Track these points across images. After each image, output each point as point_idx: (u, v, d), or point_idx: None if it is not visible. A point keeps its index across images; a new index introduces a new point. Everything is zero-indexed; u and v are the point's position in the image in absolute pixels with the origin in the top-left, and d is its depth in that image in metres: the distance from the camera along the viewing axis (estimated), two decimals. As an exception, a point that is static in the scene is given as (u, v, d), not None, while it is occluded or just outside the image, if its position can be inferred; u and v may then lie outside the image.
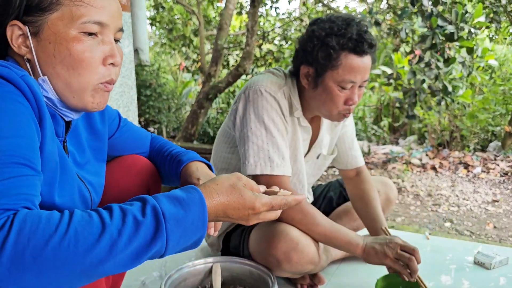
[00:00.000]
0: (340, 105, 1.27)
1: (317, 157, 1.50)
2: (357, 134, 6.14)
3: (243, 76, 5.80)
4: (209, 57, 6.64)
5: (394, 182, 4.43)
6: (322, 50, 1.24)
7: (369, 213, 1.48)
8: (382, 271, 1.54)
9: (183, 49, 7.37)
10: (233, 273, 1.27)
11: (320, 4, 6.01)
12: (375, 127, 6.20)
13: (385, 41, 7.03)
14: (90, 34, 0.78)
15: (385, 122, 6.20)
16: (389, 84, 4.24)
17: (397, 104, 4.28)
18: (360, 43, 1.20)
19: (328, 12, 5.58)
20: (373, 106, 6.65)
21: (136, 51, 4.26)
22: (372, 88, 7.42)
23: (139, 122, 6.73)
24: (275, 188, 0.84)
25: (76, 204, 0.85)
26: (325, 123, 1.47)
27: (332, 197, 1.65)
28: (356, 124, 6.30)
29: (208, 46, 8.39)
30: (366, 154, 5.45)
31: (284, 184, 1.23)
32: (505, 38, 6.94)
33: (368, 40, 1.21)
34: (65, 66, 0.77)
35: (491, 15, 4.40)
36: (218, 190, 0.75)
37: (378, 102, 6.69)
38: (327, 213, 1.60)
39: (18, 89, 0.70)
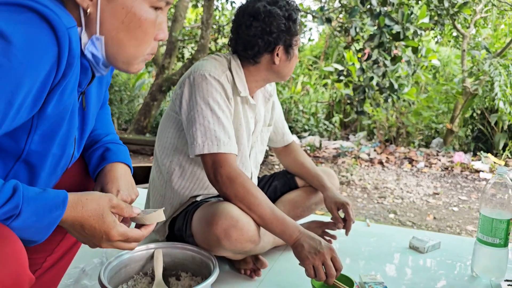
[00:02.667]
0: None
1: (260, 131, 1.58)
2: (309, 129, 6.28)
3: (198, 69, 5.72)
4: (163, 49, 6.54)
5: (343, 176, 4.57)
6: (289, 23, 1.37)
7: (308, 173, 1.64)
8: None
9: (137, 40, 7.19)
10: (175, 259, 1.27)
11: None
12: (327, 122, 6.36)
13: (338, 39, 7.22)
14: (156, 9, 0.81)
15: (336, 118, 6.38)
16: (340, 81, 4.37)
17: (348, 101, 4.43)
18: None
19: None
20: (325, 102, 6.82)
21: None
22: (325, 85, 7.61)
23: (90, 114, 6.53)
24: (146, 219, 0.92)
25: (61, 156, 0.88)
26: (260, 97, 1.54)
27: (276, 186, 1.69)
28: (308, 119, 6.44)
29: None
30: (317, 148, 5.59)
31: (231, 161, 1.27)
32: (449, 41, 7.32)
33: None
34: (129, 34, 0.80)
35: (436, 18, 4.63)
36: (85, 203, 0.78)
37: (330, 98, 6.86)
38: (271, 201, 1.63)
39: (57, 40, 0.69)
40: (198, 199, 1.46)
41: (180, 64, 6.83)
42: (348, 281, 1.27)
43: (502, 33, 6.02)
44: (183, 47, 6.71)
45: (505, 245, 1.37)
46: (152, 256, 1.25)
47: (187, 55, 6.91)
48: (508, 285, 1.36)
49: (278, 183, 1.70)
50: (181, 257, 1.27)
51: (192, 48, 6.63)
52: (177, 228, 1.43)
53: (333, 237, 1.65)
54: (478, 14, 5.69)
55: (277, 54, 1.39)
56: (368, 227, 1.92)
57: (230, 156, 1.28)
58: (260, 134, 1.58)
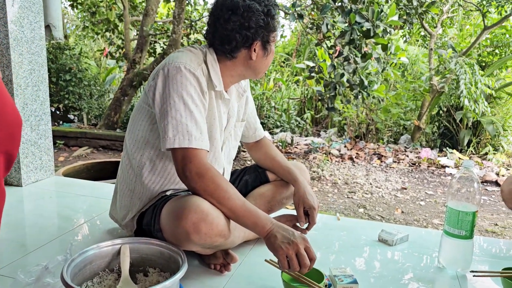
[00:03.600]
0: None
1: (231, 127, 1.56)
2: (281, 126, 6.30)
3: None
4: (134, 44, 6.41)
5: (314, 171, 4.61)
6: (267, 18, 1.35)
7: (279, 167, 1.64)
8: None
9: (107, 34, 7.04)
10: (142, 254, 1.24)
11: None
12: (299, 119, 6.40)
13: (309, 36, 7.25)
14: None
15: (308, 114, 6.42)
16: (312, 78, 4.38)
17: (319, 97, 4.45)
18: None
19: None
20: (297, 99, 6.86)
21: (48, 27, 3.98)
22: (297, 82, 7.65)
23: (58, 109, 6.35)
24: None
25: None
26: (234, 92, 1.52)
27: (247, 180, 1.68)
28: (280, 116, 6.46)
29: (134, 32, 8.10)
30: (289, 144, 5.61)
31: (201, 156, 1.24)
32: (417, 40, 7.49)
33: None
34: None
35: (404, 17, 4.71)
36: None
37: (302, 95, 6.90)
38: (242, 195, 1.62)
39: None
40: (168, 193, 1.43)
41: (152, 59, 6.71)
42: (318, 274, 1.27)
43: (468, 33, 6.21)
44: (155, 42, 6.60)
45: (471, 237, 1.40)
46: (118, 252, 1.22)
47: (159, 50, 6.80)
48: (473, 275, 1.40)
49: (249, 178, 1.69)
50: (148, 252, 1.24)
51: (164, 43, 6.53)
52: (145, 223, 1.40)
53: (304, 231, 1.65)
54: (445, 14, 5.84)
55: (254, 50, 1.38)
56: (338, 221, 1.94)
57: (201, 152, 1.25)
58: (233, 129, 1.56)
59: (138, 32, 6.56)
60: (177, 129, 1.24)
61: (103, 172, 3.11)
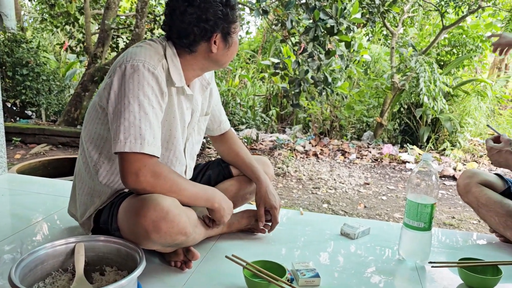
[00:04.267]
0: None
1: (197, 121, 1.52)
2: (246, 122, 6.29)
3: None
4: (96, 38, 6.21)
5: (279, 168, 4.63)
6: (226, 9, 1.29)
7: (243, 162, 1.63)
8: (256, 250, 1.59)
9: (67, 27, 6.80)
10: (99, 253, 1.19)
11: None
12: (264, 115, 6.40)
13: (275, 33, 7.27)
14: None
15: (273, 111, 6.44)
16: (277, 74, 4.39)
17: (284, 94, 4.47)
18: None
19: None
20: (263, 96, 6.86)
21: (-1, 16, 3.78)
22: (262, 79, 7.66)
23: (14, 104, 6.08)
24: None
25: None
26: (197, 85, 1.47)
27: (210, 175, 1.65)
28: (246, 112, 6.44)
29: (96, 26, 7.87)
30: (254, 141, 5.61)
31: (150, 164, 1.18)
32: (380, 39, 7.66)
33: None
34: None
35: (367, 15, 4.80)
36: None
37: (267, 92, 6.91)
38: (205, 190, 1.60)
39: None
40: (127, 190, 1.37)
41: (114, 54, 6.53)
42: (280, 269, 1.26)
43: (427, 33, 6.40)
44: (118, 36, 6.43)
45: (429, 228, 1.43)
46: (73, 251, 1.16)
47: (122, 45, 6.63)
48: (432, 266, 1.43)
49: (212, 172, 1.66)
50: (105, 250, 1.19)
51: (127, 37, 6.37)
52: (102, 221, 1.34)
53: (263, 231, 1.65)
54: (405, 13, 5.99)
55: (215, 42, 1.31)
56: (301, 216, 1.94)
57: (151, 159, 1.19)
58: (197, 124, 1.52)
59: (99, 26, 6.37)
60: (129, 132, 1.17)
61: (60, 169, 3.00)
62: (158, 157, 1.22)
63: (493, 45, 1.95)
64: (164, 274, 1.33)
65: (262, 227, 1.62)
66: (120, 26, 6.03)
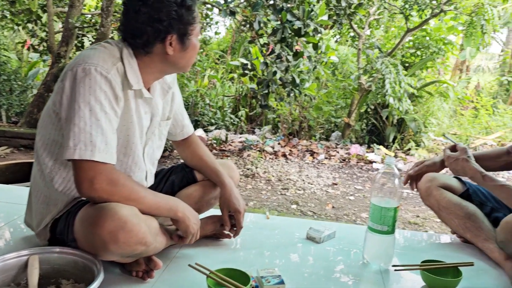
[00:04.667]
0: None
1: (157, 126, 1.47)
2: (216, 123, 6.24)
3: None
4: (59, 37, 6.02)
5: (248, 169, 4.61)
6: (181, 10, 1.24)
7: (207, 167, 1.59)
8: (221, 257, 1.57)
9: (29, 25, 6.55)
10: (54, 265, 1.14)
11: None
12: (233, 116, 6.38)
13: (244, 34, 7.26)
14: None
15: (242, 112, 6.43)
16: (245, 75, 4.38)
17: (253, 94, 4.46)
18: None
19: None
20: (232, 96, 6.84)
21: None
22: (232, 79, 7.63)
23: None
24: None
25: None
26: (157, 88, 1.43)
27: (174, 180, 1.61)
28: (215, 113, 6.40)
29: (60, 25, 7.62)
30: (223, 142, 5.57)
31: (106, 171, 1.14)
32: (347, 41, 7.77)
33: None
34: None
35: (334, 17, 4.86)
36: None
37: (236, 93, 6.89)
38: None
39: None
40: (84, 198, 1.32)
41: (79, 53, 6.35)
42: (244, 276, 1.24)
43: (392, 35, 6.54)
44: (83, 35, 6.24)
45: (392, 232, 1.45)
46: (26, 264, 1.10)
47: (87, 44, 6.45)
48: (395, 270, 1.45)
49: (175, 178, 1.62)
50: (61, 263, 1.14)
51: (92, 36, 6.20)
52: (58, 232, 1.28)
53: (229, 236, 1.63)
54: (372, 16, 6.10)
55: (170, 44, 1.27)
56: (268, 220, 1.93)
57: (105, 167, 1.14)
58: (158, 128, 1.47)
59: (63, 25, 6.18)
60: (79, 138, 1.13)
61: (19, 174, 2.87)
62: (114, 164, 1.17)
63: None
64: (125, 285, 1.28)
65: (227, 232, 1.60)
66: (85, 25, 5.86)
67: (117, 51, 1.26)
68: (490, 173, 1.61)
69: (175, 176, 1.62)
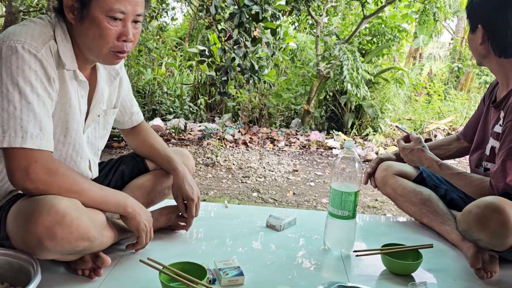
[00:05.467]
0: (111, 40, 1.12)
1: (99, 115, 1.34)
2: (174, 112, 6.08)
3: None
4: (2, 21, 5.63)
5: (208, 158, 4.52)
6: None
7: (158, 155, 1.50)
8: (177, 250, 1.49)
9: (-34, 9, 6.10)
10: (-15, 268, 1.02)
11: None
12: (192, 105, 6.24)
13: (202, 21, 7.08)
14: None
15: (201, 100, 6.29)
16: (203, 62, 4.25)
17: (211, 82, 4.35)
18: None
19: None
20: (191, 84, 6.68)
21: None
22: (190, 67, 7.45)
23: None
24: None
25: None
26: (103, 74, 1.32)
27: (124, 170, 1.50)
28: (173, 102, 6.23)
29: (3, 9, 7.15)
30: (182, 131, 5.44)
31: (43, 159, 1.03)
32: (305, 28, 7.77)
33: None
34: None
35: (292, 3, 4.80)
36: None
37: (195, 80, 6.74)
38: (118, 187, 1.45)
39: None
40: (20, 191, 1.19)
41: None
42: (200, 270, 1.17)
43: (349, 22, 6.58)
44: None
45: (353, 217, 1.42)
46: (-48, 268, 0.98)
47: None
48: (356, 255, 1.42)
49: (125, 168, 1.51)
50: (-7, 265, 1.02)
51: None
52: (-9, 229, 1.15)
53: (184, 227, 1.55)
54: (329, 3, 6.10)
55: (70, 9, 1.11)
56: (226, 209, 1.86)
57: (41, 154, 1.04)
58: (104, 117, 1.36)
59: (6, 8, 5.78)
60: (9, 124, 1.01)
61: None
62: (51, 152, 1.07)
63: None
64: (70, 284, 1.18)
65: (183, 224, 1.52)
66: (31, 9, 5.51)
67: (49, 28, 1.13)
68: (446, 161, 1.62)
69: (125, 166, 1.51)
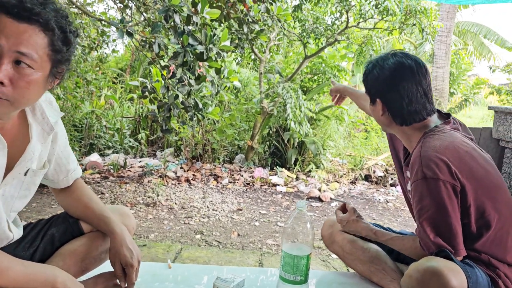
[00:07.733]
0: None
1: (25, 173, 1.19)
2: (113, 146, 5.82)
3: None
4: None
5: (149, 197, 4.34)
6: None
7: (94, 215, 1.38)
8: None
9: None
10: None
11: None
12: (132, 140, 6.02)
13: (145, 53, 6.95)
14: None
15: (142, 134, 6.10)
16: (145, 97, 4.13)
17: (153, 118, 4.23)
18: (18, 7, 0.95)
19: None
20: (131, 117, 6.47)
21: None
22: (131, 99, 7.24)
23: None
24: None
25: None
26: (35, 130, 1.18)
27: (54, 234, 1.35)
28: (112, 136, 5.97)
29: None
30: (122, 167, 5.20)
31: None
32: (249, 63, 7.88)
33: (30, 8, 0.96)
34: None
35: (236, 41, 4.85)
36: None
37: (136, 114, 6.54)
38: (47, 254, 1.30)
39: None
40: None
41: None
42: None
43: (292, 60, 6.77)
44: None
45: (305, 281, 1.37)
46: None
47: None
48: (307, 321, 1.37)
49: (56, 231, 1.36)
50: None
51: None
52: None
53: None
54: (272, 41, 6.25)
55: None
56: (170, 269, 1.74)
57: None
58: (31, 177, 1.21)
59: None
60: None
61: None
62: None
63: (330, 93, 2.23)
64: None
65: None
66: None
67: None
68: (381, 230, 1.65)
69: (56, 229, 1.36)
